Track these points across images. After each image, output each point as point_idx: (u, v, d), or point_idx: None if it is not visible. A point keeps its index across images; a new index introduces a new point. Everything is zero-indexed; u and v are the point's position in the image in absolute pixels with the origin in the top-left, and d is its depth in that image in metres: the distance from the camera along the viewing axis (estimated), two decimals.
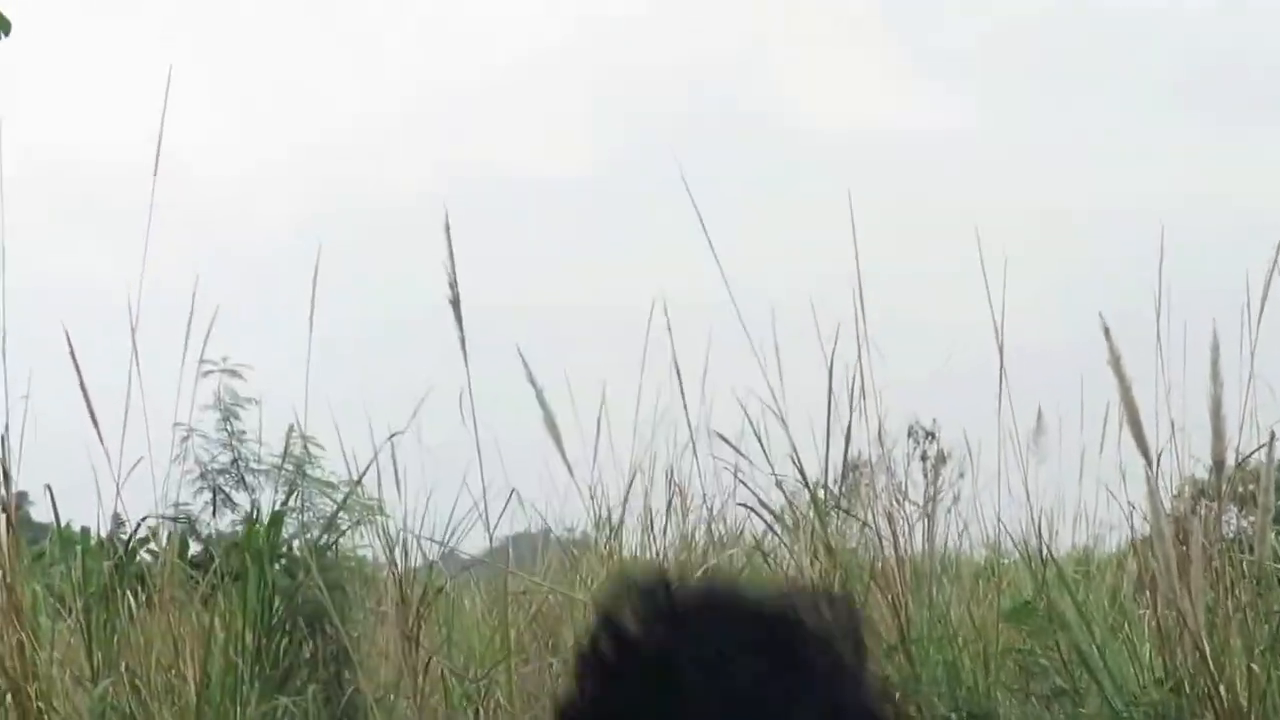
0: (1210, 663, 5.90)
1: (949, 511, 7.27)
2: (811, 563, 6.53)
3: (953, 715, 4.40)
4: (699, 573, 7.19)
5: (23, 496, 8.80)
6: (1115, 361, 6.10)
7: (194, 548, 8.44)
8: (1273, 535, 6.55)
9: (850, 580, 6.51)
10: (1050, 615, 5.58)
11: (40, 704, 6.64)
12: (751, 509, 7.04)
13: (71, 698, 6.82)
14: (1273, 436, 6.32)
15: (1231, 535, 7.00)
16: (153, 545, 7.97)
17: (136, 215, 6.99)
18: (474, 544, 7.29)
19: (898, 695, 5.03)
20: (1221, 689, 5.85)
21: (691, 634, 2.00)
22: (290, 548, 7.50)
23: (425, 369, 7.88)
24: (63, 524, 7.77)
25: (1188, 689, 5.94)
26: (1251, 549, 6.45)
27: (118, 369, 7.05)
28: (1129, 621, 6.92)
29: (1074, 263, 11.54)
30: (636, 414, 7.25)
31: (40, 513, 9.30)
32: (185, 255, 8.02)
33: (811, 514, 6.67)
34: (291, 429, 7.49)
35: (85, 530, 8.52)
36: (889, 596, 6.47)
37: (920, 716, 5.50)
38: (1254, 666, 5.96)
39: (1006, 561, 7.53)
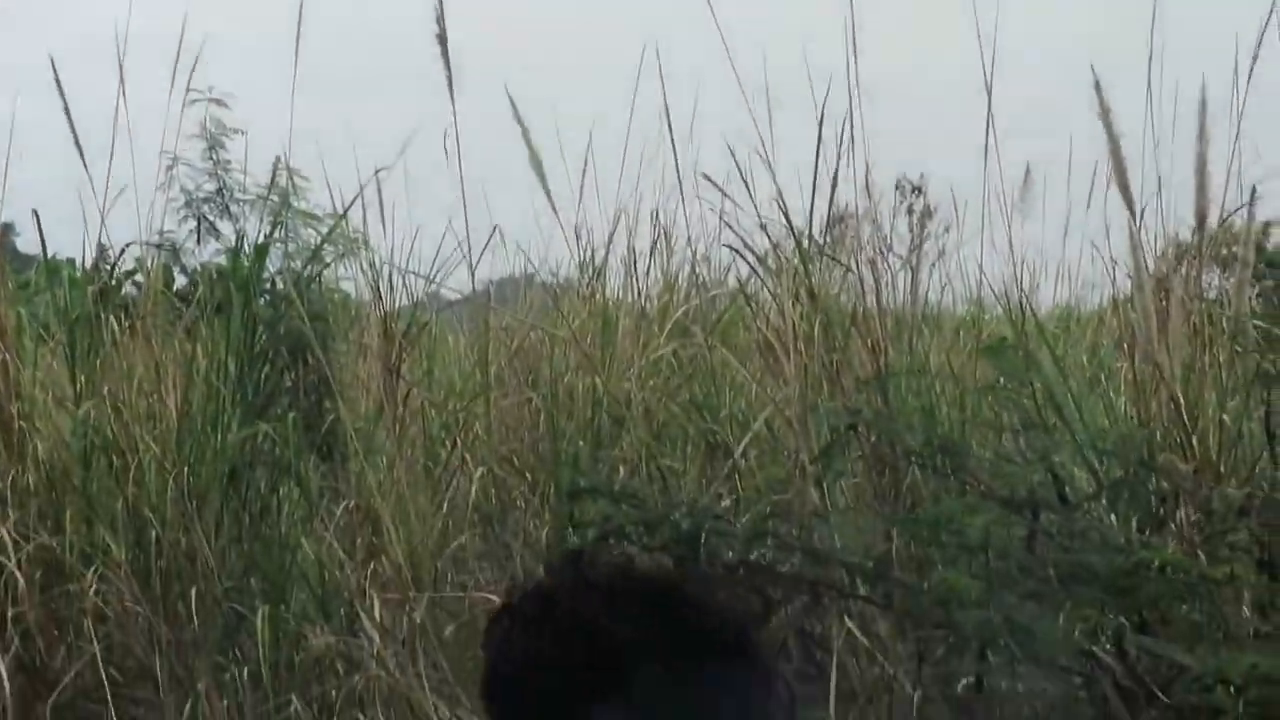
0: (1184, 414, 5.94)
1: (933, 266, 7.28)
2: (794, 306, 6.54)
3: (924, 449, 4.45)
4: (679, 314, 7.24)
5: (8, 228, 8.80)
6: (1105, 114, 6.08)
7: (179, 281, 8.46)
8: (1252, 292, 6.58)
9: (831, 325, 6.54)
10: (1026, 356, 5.61)
11: (23, 424, 6.70)
12: (736, 251, 7.05)
13: (54, 419, 6.88)
14: (1254, 192, 6.32)
15: (1213, 297, 7.03)
16: (138, 278, 7.99)
17: None
18: (458, 286, 7.32)
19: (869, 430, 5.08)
20: (1194, 440, 5.90)
21: (603, 600, 2.06)
22: (275, 283, 7.52)
23: (412, 107, 7.82)
24: (49, 255, 7.77)
25: (1160, 439, 5.99)
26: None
27: (104, 98, 7.02)
28: (1106, 375, 6.98)
29: (1066, 19, 11.40)
30: (623, 156, 7.22)
31: (27, 244, 9.31)
32: None
33: (796, 259, 6.67)
34: (277, 160, 7.47)
35: (71, 261, 8.54)
36: (869, 342, 6.50)
37: (892, 450, 5.56)
38: (1226, 419, 6.01)
39: (988, 316, 7.56)
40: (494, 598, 5.97)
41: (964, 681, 4.70)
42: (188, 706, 6.14)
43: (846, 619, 5.76)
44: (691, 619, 2.08)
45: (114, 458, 6.67)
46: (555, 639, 2.09)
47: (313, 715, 6.23)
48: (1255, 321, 6.58)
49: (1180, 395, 5.96)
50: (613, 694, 2.04)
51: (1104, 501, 4.93)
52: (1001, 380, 4.71)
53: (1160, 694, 3.77)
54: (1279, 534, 4.64)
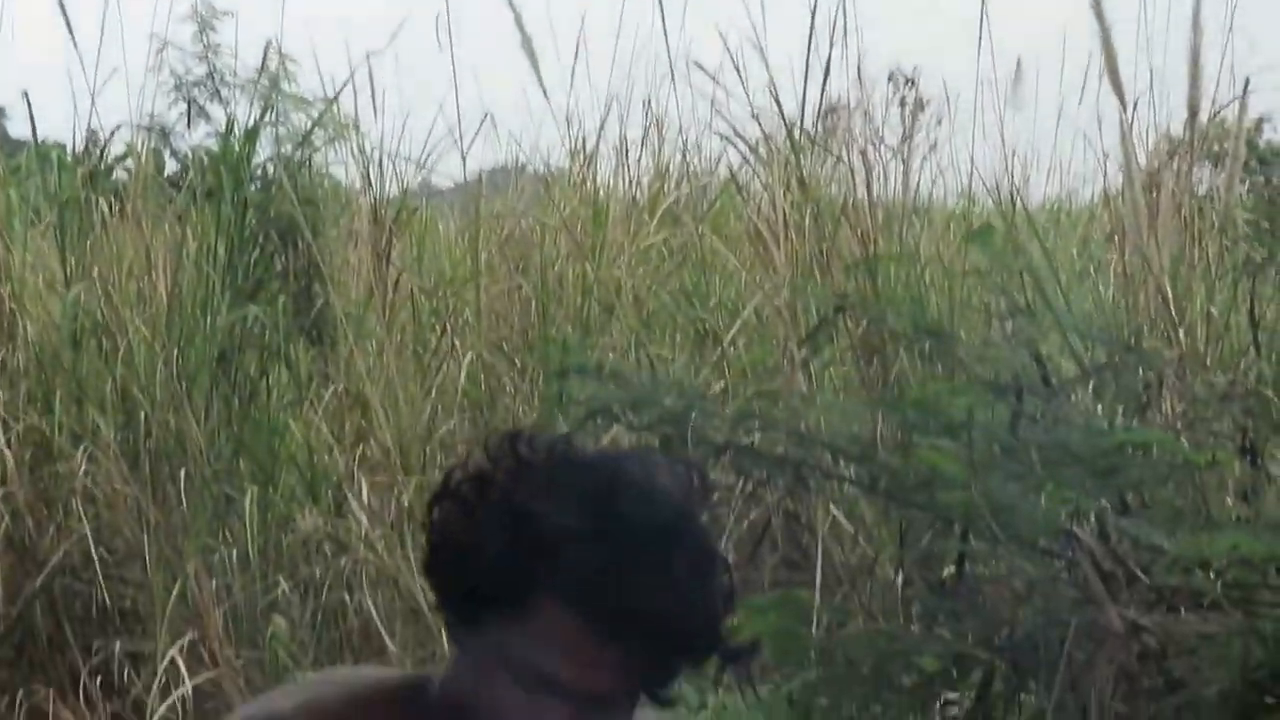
0: (1171, 307, 5.96)
1: (924, 158, 7.27)
2: (785, 195, 6.55)
3: (911, 333, 4.47)
4: (670, 202, 7.25)
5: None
6: (1096, 4, 6.05)
7: (170, 166, 8.43)
8: (1242, 188, 6.59)
9: (821, 214, 6.54)
10: (1015, 244, 5.62)
11: (13, 305, 6.71)
12: (728, 139, 7.04)
13: (44, 301, 6.89)
14: (1247, 84, 6.30)
15: (1203, 192, 7.03)
16: (128, 163, 7.97)
17: None
18: (449, 174, 7.32)
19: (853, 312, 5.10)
20: (1181, 332, 5.92)
21: (541, 484, 2.07)
22: (265, 169, 7.51)
23: None
24: (39, 140, 7.75)
25: (1147, 331, 6.01)
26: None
27: None
28: (1095, 268, 7.00)
29: None
30: (615, 43, 7.20)
31: (17, 129, 9.29)
32: None
33: (787, 148, 6.67)
34: (268, 44, 7.43)
35: (61, 146, 8.51)
36: (859, 232, 6.51)
37: (879, 334, 5.58)
38: (1213, 311, 6.04)
39: (979, 209, 7.56)
40: None
41: (947, 570, 4.73)
42: (176, 587, 6.17)
43: (832, 506, 5.81)
44: (630, 504, 2.08)
45: (104, 339, 6.69)
46: (493, 525, 2.09)
47: (300, 596, 6.27)
48: (1244, 216, 6.59)
49: (1168, 288, 5.98)
50: (551, 580, 2.05)
51: (1089, 389, 4.95)
52: (989, 266, 4.72)
53: (1141, 575, 3.79)
54: (1262, 421, 4.66)
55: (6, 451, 6.37)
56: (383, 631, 6.06)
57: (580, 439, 2.15)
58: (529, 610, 2.06)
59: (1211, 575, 3.77)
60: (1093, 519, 3.90)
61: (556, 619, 2.06)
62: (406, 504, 6.34)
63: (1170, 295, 5.96)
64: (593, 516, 2.05)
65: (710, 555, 2.13)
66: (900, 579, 5.23)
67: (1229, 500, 5.01)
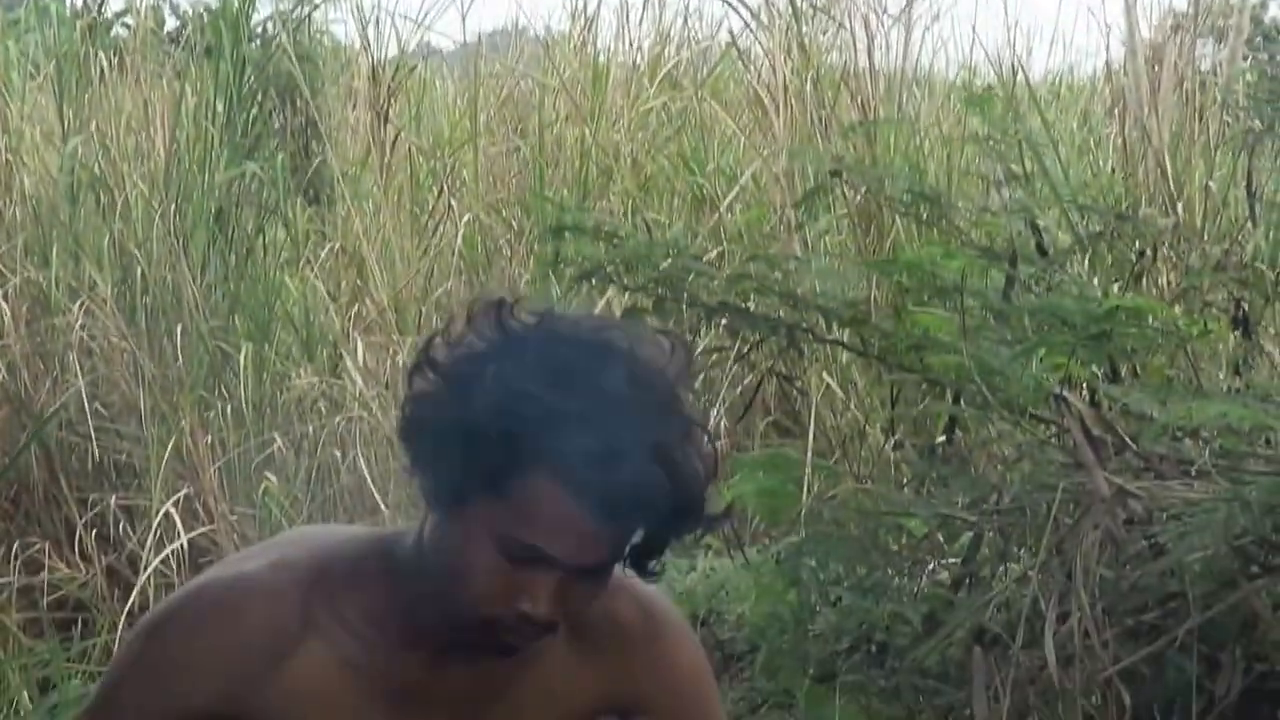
0: (1170, 181, 5.95)
1: (926, 28, 7.23)
2: (785, 61, 6.52)
3: (907, 196, 4.46)
4: (670, 67, 7.22)
5: None
6: None
7: (170, 23, 8.39)
8: (1245, 63, 6.56)
9: (821, 81, 6.52)
10: (1015, 112, 5.61)
11: (10, 158, 6.69)
12: (729, 4, 6.99)
13: (41, 154, 6.88)
14: None
15: (1206, 68, 7.01)
16: (128, 19, 7.93)
17: None
18: (449, 36, 7.28)
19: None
20: (1179, 206, 5.92)
21: (528, 359, 2.08)
22: (265, 27, 7.47)
23: None
24: None
25: (1145, 205, 6.00)
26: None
27: None
28: (1095, 141, 6.98)
29: None
30: None
31: None
32: None
33: (788, 13, 6.64)
34: None
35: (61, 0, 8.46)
36: (858, 100, 6.49)
37: (876, 200, 5.57)
38: (1212, 185, 6.04)
39: (980, 81, 7.53)
40: None
41: (940, 440, 4.76)
42: (171, 442, 6.19)
43: (825, 374, 5.82)
44: (620, 382, 2.09)
45: (101, 194, 6.66)
46: (484, 403, 2.09)
47: (295, 454, 6.29)
48: (1246, 91, 6.57)
49: (1167, 162, 5.97)
50: (541, 459, 2.07)
51: (1085, 260, 4.96)
52: (988, 133, 4.70)
53: (1130, 443, 3.81)
54: (1256, 293, 4.67)
55: (3, 305, 6.37)
56: (375, 491, 6.08)
57: (573, 302, 2.15)
58: (517, 487, 2.08)
59: (1200, 445, 3.79)
60: (1083, 386, 3.92)
61: (546, 496, 2.07)
62: (402, 364, 6.34)
63: (1169, 169, 5.95)
64: (583, 396, 2.06)
65: (696, 430, 2.14)
66: (891, 443, 5.26)
67: (1221, 373, 5.03)
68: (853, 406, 5.84)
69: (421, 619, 2.23)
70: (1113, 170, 6.40)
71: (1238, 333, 4.63)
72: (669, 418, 2.11)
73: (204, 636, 2.24)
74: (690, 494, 2.11)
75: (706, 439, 2.15)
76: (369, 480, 6.07)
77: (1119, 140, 6.47)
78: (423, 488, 2.15)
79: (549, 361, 2.09)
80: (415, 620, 2.24)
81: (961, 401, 4.05)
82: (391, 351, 6.38)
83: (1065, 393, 3.68)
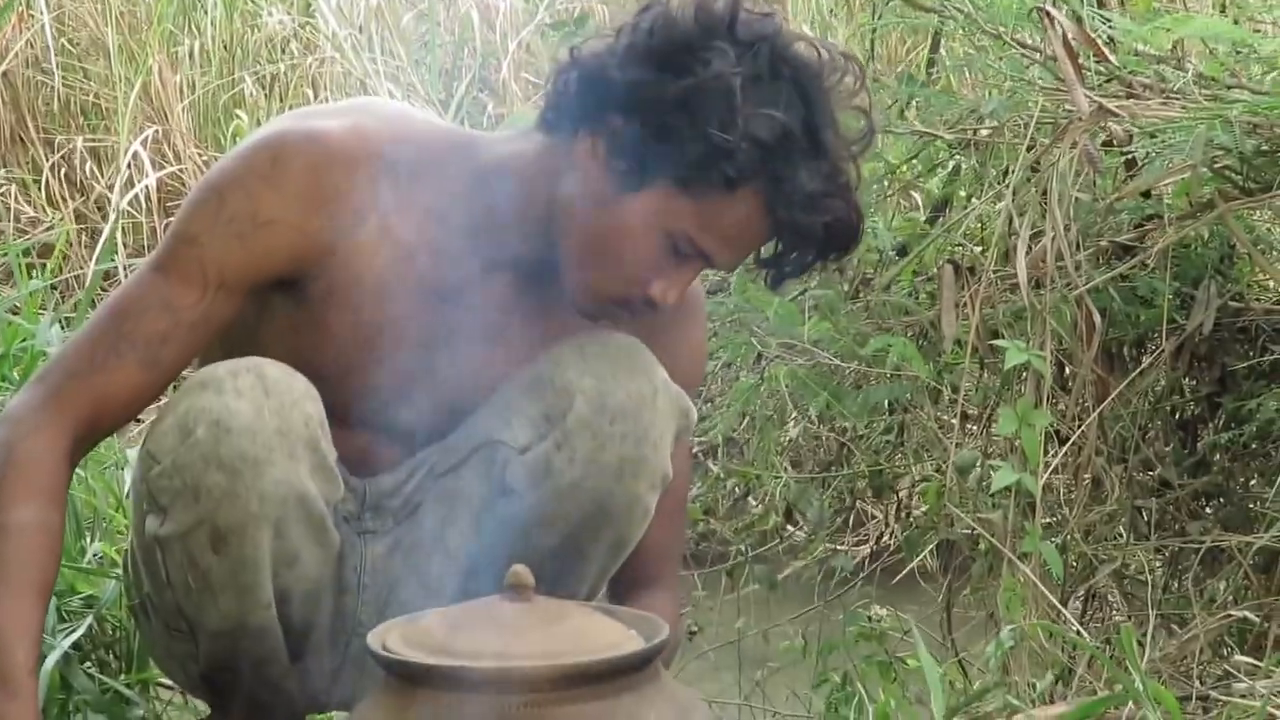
0: None
1: None
2: None
3: None
4: None
5: None
6: None
7: None
8: None
9: None
10: None
11: None
12: None
13: None
14: None
15: None
16: None
17: None
18: None
19: None
20: None
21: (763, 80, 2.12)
22: None
23: None
24: None
25: None
26: None
27: None
28: None
29: None
30: None
31: None
32: None
33: None
34: None
35: None
36: None
37: None
38: None
39: None
40: None
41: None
42: (139, 80, 6.07)
43: None
44: (834, 126, 2.17)
45: None
46: (711, 100, 2.12)
47: (265, 94, 6.18)
48: None
49: None
50: (749, 173, 2.13)
51: None
52: None
53: (1114, 62, 3.70)
54: None
55: None
56: None
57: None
58: (719, 193, 2.12)
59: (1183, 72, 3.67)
60: (1067, 7, 3.80)
61: (746, 212, 2.15)
62: (375, 4, 6.22)
63: None
64: (805, 130, 2.13)
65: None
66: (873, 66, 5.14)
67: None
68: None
69: (499, 239, 2.25)
70: None
71: None
72: (857, 175, 2.21)
73: (285, 189, 2.17)
74: (856, 244, 2.22)
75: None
76: None
77: None
78: (609, 149, 2.14)
79: (780, 88, 2.13)
80: (488, 236, 2.24)
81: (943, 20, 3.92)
82: None
83: (1050, 7, 3.54)
